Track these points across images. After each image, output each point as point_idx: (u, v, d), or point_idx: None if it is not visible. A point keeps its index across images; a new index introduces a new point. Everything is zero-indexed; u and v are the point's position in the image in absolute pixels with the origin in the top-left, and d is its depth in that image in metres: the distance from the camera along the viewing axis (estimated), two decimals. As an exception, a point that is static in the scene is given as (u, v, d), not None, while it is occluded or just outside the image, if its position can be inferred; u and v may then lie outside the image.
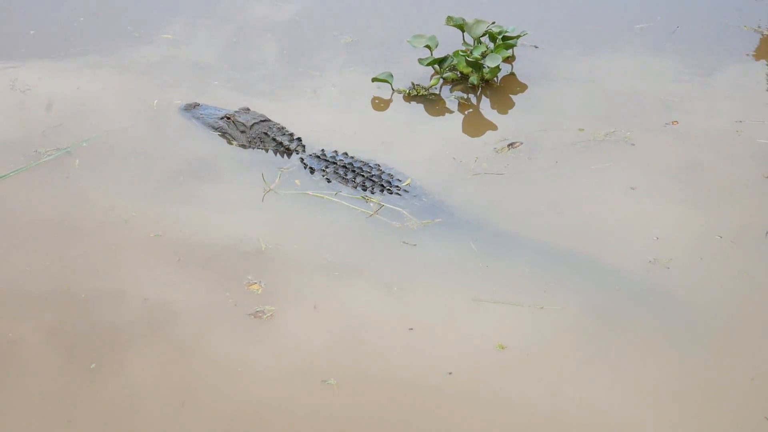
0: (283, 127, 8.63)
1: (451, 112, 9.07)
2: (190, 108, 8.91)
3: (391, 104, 9.18)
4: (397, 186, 7.94)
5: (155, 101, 9.00)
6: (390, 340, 6.56)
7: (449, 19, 9.51)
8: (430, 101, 9.18)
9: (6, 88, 9.18)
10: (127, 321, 6.67)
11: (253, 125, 8.63)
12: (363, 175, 8.02)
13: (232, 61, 9.76)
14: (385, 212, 7.68)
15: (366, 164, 8.12)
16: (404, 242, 7.42)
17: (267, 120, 8.70)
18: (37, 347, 6.50)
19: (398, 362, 6.41)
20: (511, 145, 8.45)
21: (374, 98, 9.22)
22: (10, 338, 6.54)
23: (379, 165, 8.13)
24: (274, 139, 8.52)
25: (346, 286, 7.01)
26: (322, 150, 8.33)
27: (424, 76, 9.48)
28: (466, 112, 9.05)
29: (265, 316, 6.70)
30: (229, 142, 8.62)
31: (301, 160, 8.32)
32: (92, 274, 7.03)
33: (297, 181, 8.02)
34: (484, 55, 9.23)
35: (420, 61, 9.33)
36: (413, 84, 9.26)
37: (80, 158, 8.22)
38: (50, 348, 6.50)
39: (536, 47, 9.84)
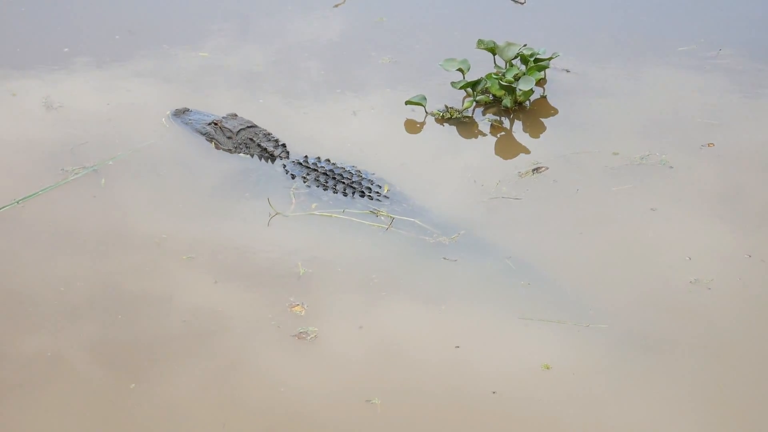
0: (269, 134, 8.98)
1: (484, 135, 9.29)
2: (180, 113, 9.28)
3: (424, 127, 9.41)
4: (377, 192, 8.26)
5: (163, 119, 9.26)
6: (434, 359, 6.75)
7: (480, 42, 9.75)
8: (463, 124, 9.40)
9: (39, 105, 9.47)
10: (166, 343, 6.86)
11: (239, 131, 8.97)
12: (343, 182, 8.35)
13: (269, 80, 10.03)
14: (415, 228, 7.90)
15: (346, 171, 8.45)
16: (444, 258, 7.64)
17: (254, 126, 9.04)
18: (77, 365, 6.70)
19: (442, 381, 6.59)
20: (536, 169, 8.66)
21: (407, 121, 9.46)
22: (49, 357, 6.73)
23: (359, 171, 8.46)
24: (259, 145, 8.86)
25: (389, 305, 7.21)
26: (305, 156, 8.68)
27: (459, 98, 9.71)
28: (498, 135, 9.26)
29: (309, 338, 6.90)
30: (216, 147, 8.95)
31: (284, 166, 8.67)
32: (127, 297, 7.22)
33: (313, 205, 8.25)
34: (516, 78, 9.46)
35: (453, 84, 9.58)
36: (446, 107, 9.50)
37: (106, 177, 8.44)
38: (91, 366, 6.69)
39: (568, 71, 10.05)
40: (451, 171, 8.74)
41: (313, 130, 9.22)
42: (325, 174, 8.45)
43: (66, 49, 10.38)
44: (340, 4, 11.32)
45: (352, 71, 10.18)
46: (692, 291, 7.25)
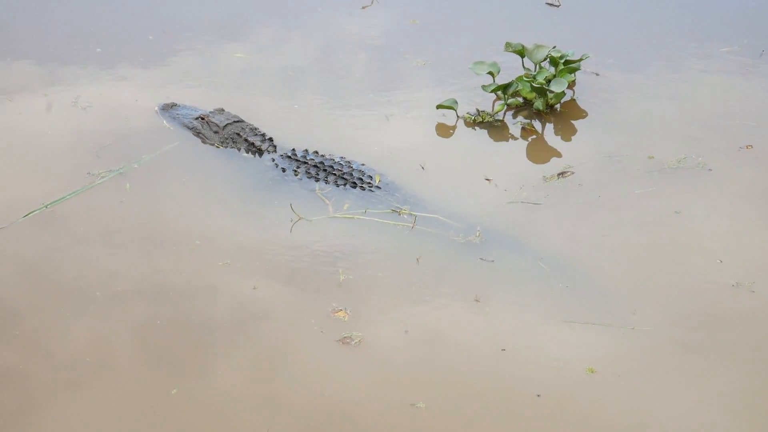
0: (256, 128, 9.19)
1: (515, 138, 9.40)
2: (168, 108, 9.45)
3: (455, 131, 9.55)
4: (369, 183, 8.47)
5: (164, 121, 9.41)
6: (479, 363, 6.89)
7: (508, 45, 9.88)
8: (495, 127, 9.53)
9: (68, 105, 9.60)
10: (208, 348, 6.99)
11: (226, 126, 9.17)
12: (334, 174, 8.57)
13: (303, 84, 10.16)
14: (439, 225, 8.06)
15: (336, 162, 8.66)
16: (481, 258, 7.79)
17: (240, 121, 9.25)
18: (120, 370, 6.84)
19: (487, 385, 6.74)
20: (561, 174, 8.77)
21: (439, 124, 9.60)
22: (88, 362, 6.87)
23: (349, 162, 8.66)
24: (245, 140, 9.07)
25: (433, 308, 7.35)
26: (293, 150, 8.89)
27: (491, 101, 9.86)
28: (529, 139, 9.38)
29: (353, 342, 7.04)
30: (203, 142, 9.13)
31: (273, 160, 8.87)
32: (166, 304, 7.35)
33: (345, 206, 8.37)
34: (548, 80, 9.58)
35: (484, 87, 9.69)
36: (478, 110, 9.63)
37: (131, 181, 8.55)
38: (134, 371, 6.84)
39: (597, 74, 10.18)
40: (474, 174, 8.84)
41: (344, 134, 9.34)
42: (315, 166, 8.65)
43: (98, 50, 10.51)
44: (368, 6, 11.49)
45: (386, 74, 10.32)
46: (735, 294, 7.38)
